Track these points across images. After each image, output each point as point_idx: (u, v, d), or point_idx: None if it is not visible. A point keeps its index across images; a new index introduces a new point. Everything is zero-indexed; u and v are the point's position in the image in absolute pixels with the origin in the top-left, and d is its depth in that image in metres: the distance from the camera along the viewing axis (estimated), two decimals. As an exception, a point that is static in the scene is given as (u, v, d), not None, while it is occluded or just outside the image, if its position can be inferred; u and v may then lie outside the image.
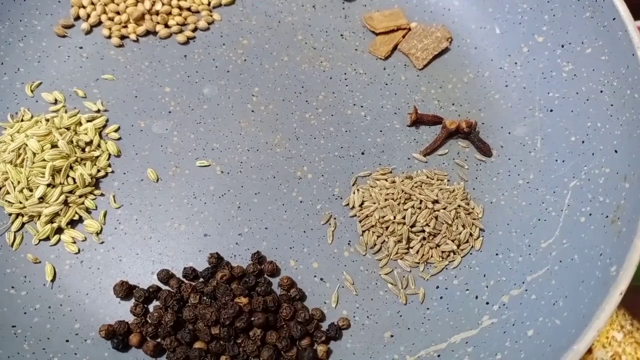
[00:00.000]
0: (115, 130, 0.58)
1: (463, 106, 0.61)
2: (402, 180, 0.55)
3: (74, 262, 0.52)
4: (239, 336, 0.47)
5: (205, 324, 0.47)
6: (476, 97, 0.61)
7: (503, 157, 0.58)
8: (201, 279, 0.51)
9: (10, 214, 0.53)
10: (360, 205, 0.54)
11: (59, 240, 0.53)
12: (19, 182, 0.52)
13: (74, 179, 0.53)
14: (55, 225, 0.52)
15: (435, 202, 0.53)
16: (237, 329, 0.47)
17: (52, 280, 0.51)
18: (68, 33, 0.64)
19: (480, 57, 0.63)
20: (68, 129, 0.56)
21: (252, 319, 0.47)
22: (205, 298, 0.49)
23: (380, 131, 0.59)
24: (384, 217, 0.53)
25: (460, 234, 0.53)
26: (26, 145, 0.53)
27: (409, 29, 0.65)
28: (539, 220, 0.53)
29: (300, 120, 0.59)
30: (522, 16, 0.62)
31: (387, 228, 0.53)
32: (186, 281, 0.51)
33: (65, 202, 0.53)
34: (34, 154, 0.53)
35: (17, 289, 0.50)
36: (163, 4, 0.64)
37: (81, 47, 0.63)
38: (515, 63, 0.62)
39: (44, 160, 0.53)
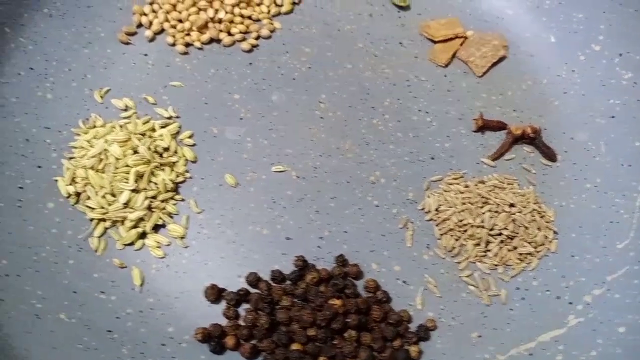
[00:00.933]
0: (190, 137, 0.58)
1: (524, 112, 0.62)
2: (476, 185, 0.56)
3: (160, 267, 0.52)
4: (334, 337, 0.48)
5: (301, 326, 0.48)
6: (536, 103, 0.63)
7: (568, 162, 0.59)
8: (288, 282, 0.51)
9: (91, 220, 0.53)
10: (437, 210, 0.55)
11: (143, 244, 0.53)
12: (101, 188, 0.52)
13: (155, 184, 0.54)
14: (140, 230, 0.52)
15: (512, 205, 0.55)
16: (333, 330, 0.48)
17: (141, 285, 0.51)
18: (131, 40, 0.64)
19: (537, 64, 0.65)
20: (143, 135, 0.56)
21: (347, 320, 0.48)
22: (296, 300, 0.50)
23: (448, 136, 0.60)
24: (462, 220, 0.54)
25: (536, 236, 0.54)
26: (107, 151, 0.53)
27: (466, 37, 0.67)
28: (611, 222, 0.55)
29: (369, 126, 0.60)
30: (577, 25, 0.65)
31: (465, 231, 0.54)
32: (274, 284, 0.51)
33: (149, 207, 0.53)
34: (117, 160, 0.53)
35: (107, 293, 0.50)
36: (226, 13, 0.65)
37: (146, 55, 0.63)
38: (573, 71, 0.64)
39: (127, 165, 0.53)
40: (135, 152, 0.54)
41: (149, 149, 0.54)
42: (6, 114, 0.55)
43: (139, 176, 0.53)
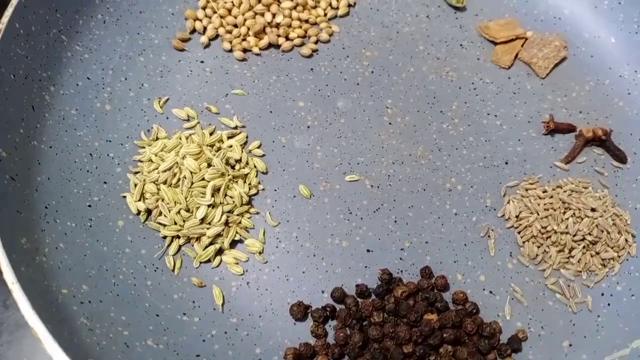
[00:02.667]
0: (258, 147, 0.56)
1: (590, 114, 0.61)
2: (554, 189, 0.55)
3: (240, 284, 0.50)
4: (431, 353, 0.47)
5: (397, 343, 0.46)
6: (601, 104, 0.62)
7: (638, 164, 0.59)
8: (374, 296, 0.50)
9: (164, 237, 0.51)
10: (517, 216, 0.54)
11: (221, 261, 0.50)
12: (176, 203, 0.50)
13: (231, 198, 0.51)
14: (217, 246, 0.50)
15: (593, 210, 0.54)
16: (430, 346, 0.46)
17: (223, 304, 0.49)
18: (186, 47, 0.61)
19: (598, 65, 0.64)
20: (212, 146, 0.54)
21: (444, 335, 0.47)
22: (386, 315, 0.48)
23: (519, 140, 0.59)
24: (545, 227, 0.53)
25: (618, 240, 0.53)
26: (180, 164, 0.51)
27: (527, 38, 0.66)
28: (691, 224, 0.54)
29: (439, 131, 0.59)
30: (638, 25, 0.64)
31: (548, 238, 0.53)
32: (361, 299, 0.49)
33: (226, 222, 0.51)
34: (192, 173, 0.51)
35: (189, 314, 0.48)
36: (284, 17, 0.62)
37: (202, 62, 0.61)
38: (635, 71, 0.63)
39: (203, 179, 0.51)
40: (209, 164, 0.52)
41: (222, 160, 0.52)
42: (67, 127, 0.52)
43: (216, 190, 0.51)
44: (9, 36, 0.48)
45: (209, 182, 0.50)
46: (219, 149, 0.54)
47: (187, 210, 0.50)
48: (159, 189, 0.51)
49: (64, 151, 0.51)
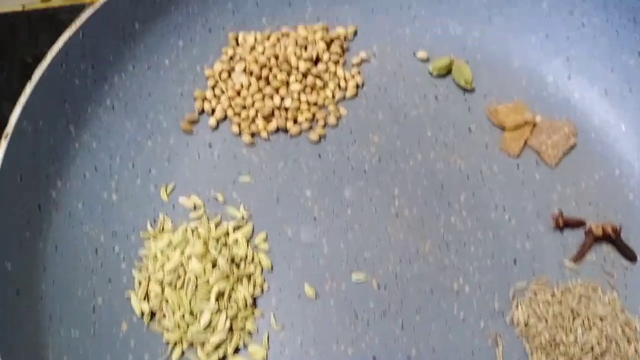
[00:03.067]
0: (264, 240, 0.56)
1: (599, 206, 0.61)
2: (562, 294, 0.55)
3: (243, 392, 0.49)
4: None
5: None
6: (610, 197, 0.61)
7: (648, 263, 0.58)
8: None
9: (167, 342, 0.50)
10: (526, 323, 0.54)
11: (224, 368, 0.50)
12: (179, 307, 0.50)
13: (235, 302, 0.51)
14: (221, 353, 0.50)
15: (601, 319, 0.53)
16: None
17: (226, 414, 0.48)
18: (195, 129, 0.61)
19: (608, 154, 0.64)
20: (218, 240, 0.53)
21: None
22: None
23: (527, 236, 0.59)
24: (554, 337, 0.52)
25: (627, 351, 0.53)
26: (185, 264, 0.50)
27: (535, 124, 0.65)
28: (700, 333, 0.53)
29: (447, 225, 0.58)
30: (649, 114, 0.63)
31: (557, 348, 0.52)
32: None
33: (230, 327, 0.50)
34: (196, 276, 0.50)
35: None
36: (293, 100, 0.62)
37: (210, 145, 0.61)
38: (647, 163, 0.62)
39: (207, 283, 0.50)
40: (214, 264, 0.51)
41: (228, 260, 0.51)
42: (74, 224, 0.52)
43: (221, 294, 0.50)
44: (17, 137, 0.47)
45: (213, 285, 0.50)
46: (225, 243, 0.53)
47: (191, 314, 0.50)
48: (163, 290, 0.50)
49: (70, 251, 0.50)
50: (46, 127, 0.50)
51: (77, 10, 0.68)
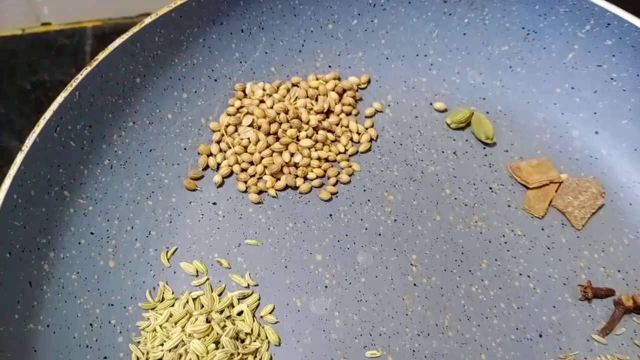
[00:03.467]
0: (271, 312, 0.52)
1: (629, 273, 0.57)
2: (593, 373, 0.50)
3: None
4: None
5: None
6: (641, 262, 0.57)
7: (682, 336, 0.54)
8: None
9: None
10: (553, 405, 0.49)
11: None
12: (180, 390, 0.46)
13: (240, 383, 0.47)
14: None
15: (637, 402, 0.49)
16: None
17: None
18: (198, 186, 0.57)
19: (638, 215, 0.60)
20: (221, 312, 0.49)
21: None
22: None
23: (554, 307, 0.54)
24: (585, 422, 0.48)
25: None
26: (186, 342, 0.46)
27: (561, 182, 0.61)
28: None
29: (467, 295, 0.54)
30: (681, 174, 0.59)
31: None
32: None
33: (234, 412, 0.46)
34: (198, 357, 0.46)
35: None
36: (303, 157, 0.58)
37: (214, 203, 0.57)
38: (679, 226, 0.58)
39: (210, 364, 0.46)
40: (217, 342, 0.47)
41: (232, 337, 0.47)
42: (67, 297, 0.48)
43: (224, 377, 0.46)
44: (6, 211, 0.44)
45: (217, 369, 0.46)
46: (229, 316, 0.49)
47: (193, 398, 0.46)
48: (162, 370, 0.46)
49: (62, 327, 0.47)
50: (38, 197, 0.47)
51: (79, 34, 0.65)
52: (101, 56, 0.51)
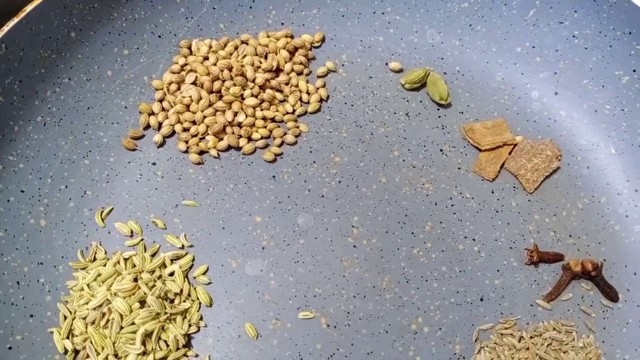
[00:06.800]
0: (204, 273, 0.51)
1: (581, 238, 0.55)
2: (532, 338, 0.49)
3: None
4: None
5: None
6: (594, 227, 0.56)
7: (631, 303, 0.52)
8: None
9: (91, 383, 0.46)
10: (488, 369, 0.48)
11: (151, 415, 0.45)
12: (103, 348, 0.45)
13: (165, 342, 0.46)
14: (146, 399, 0.45)
15: (573, 368, 0.48)
16: None
17: None
18: (138, 145, 0.56)
19: (594, 179, 0.58)
20: (152, 272, 0.49)
21: None
22: None
23: (498, 271, 0.53)
24: (518, 387, 0.47)
25: (601, 405, 0.47)
26: (110, 302, 0.46)
27: (515, 145, 0.59)
28: (685, 387, 0.48)
29: (408, 257, 0.53)
30: (642, 138, 0.57)
31: (521, 399, 0.47)
32: None
33: (158, 371, 0.45)
34: (122, 316, 0.45)
35: None
36: (247, 116, 0.57)
37: (154, 163, 0.56)
38: (636, 190, 0.57)
39: (133, 323, 0.45)
40: (143, 302, 0.46)
41: (159, 296, 0.47)
42: (-7, 253, 0.47)
43: (147, 335, 0.45)
44: None
45: (140, 326, 0.45)
46: (160, 276, 0.49)
47: (116, 356, 0.45)
48: (87, 328, 0.45)
49: (-16, 285, 0.46)
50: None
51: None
52: (29, 7, 0.49)
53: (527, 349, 0.49)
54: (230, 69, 0.57)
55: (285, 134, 0.58)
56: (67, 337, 0.46)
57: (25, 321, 0.47)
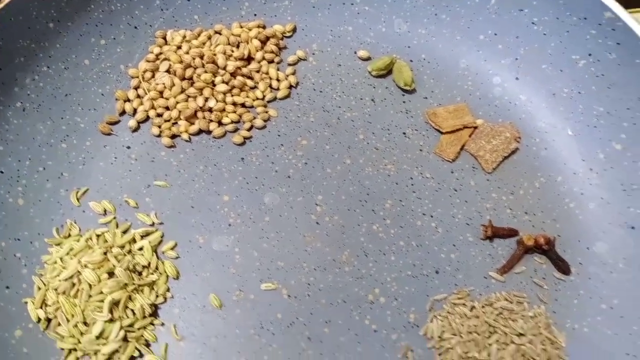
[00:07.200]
0: (172, 248, 0.54)
1: (537, 215, 0.57)
2: (483, 307, 0.51)
3: (135, 406, 0.48)
4: None
5: None
6: (550, 205, 0.58)
7: (583, 277, 0.55)
8: None
9: (62, 349, 0.48)
10: (440, 337, 0.51)
11: (118, 379, 0.48)
12: (73, 316, 0.48)
13: (132, 311, 0.49)
14: (114, 364, 0.48)
15: (521, 335, 0.50)
16: None
17: None
18: (114, 130, 0.59)
19: (551, 159, 0.60)
20: (122, 247, 0.52)
21: None
22: None
23: (454, 245, 0.55)
24: (467, 352, 0.49)
25: (548, 370, 0.49)
26: (80, 273, 0.49)
27: (476, 127, 0.62)
28: (628, 354, 0.50)
29: (368, 233, 0.56)
30: (597, 119, 0.59)
31: (470, 365, 0.49)
32: None
33: (125, 338, 0.48)
34: (90, 286, 0.48)
35: None
36: (217, 101, 0.60)
37: (129, 147, 0.59)
38: (591, 169, 0.59)
39: (101, 292, 0.48)
40: (112, 274, 0.49)
41: (127, 268, 0.49)
42: (-28, 229, 0.50)
43: (115, 304, 0.48)
44: None
45: (107, 295, 0.48)
46: (129, 251, 0.52)
47: (85, 324, 0.48)
48: (58, 298, 0.48)
49: (-37, 256, 0.49)
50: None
51: None
52: None
53: (477, 317, 0.51)
54: (202, 56, 0.60)
55: (254, 118, 0.60)
56: (41, 307, 0.49)
57: (1, 292, 0.50)
